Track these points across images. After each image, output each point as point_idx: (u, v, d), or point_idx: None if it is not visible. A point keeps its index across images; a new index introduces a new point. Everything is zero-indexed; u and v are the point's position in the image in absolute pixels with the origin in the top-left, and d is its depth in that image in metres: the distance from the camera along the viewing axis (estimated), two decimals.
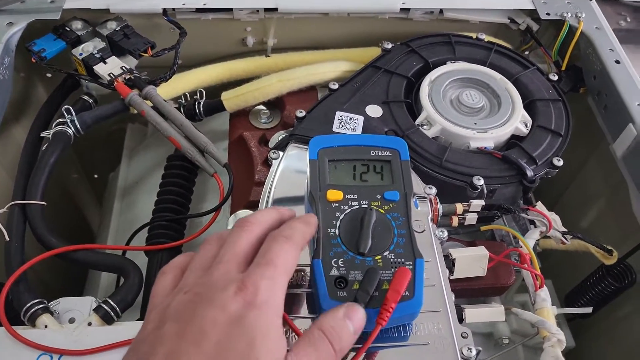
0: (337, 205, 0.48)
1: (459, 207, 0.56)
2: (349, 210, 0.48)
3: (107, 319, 0.47)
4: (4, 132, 0.71)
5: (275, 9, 0.71)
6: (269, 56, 0.73)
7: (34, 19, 0.67)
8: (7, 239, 0.51)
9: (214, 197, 0.68)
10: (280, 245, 0.36)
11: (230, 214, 0.58)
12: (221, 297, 0.32)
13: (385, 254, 0.46)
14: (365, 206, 0.48)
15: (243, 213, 0.58)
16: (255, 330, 0.32)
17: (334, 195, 0.49)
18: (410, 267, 0.45)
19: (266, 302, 0.33)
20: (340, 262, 0.45)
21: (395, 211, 0.48)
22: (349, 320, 0.37)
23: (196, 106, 0.68)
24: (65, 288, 0.79)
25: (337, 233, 0.47)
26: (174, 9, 0.71)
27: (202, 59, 0.77)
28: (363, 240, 0.45)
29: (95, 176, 0.99)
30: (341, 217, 0.48)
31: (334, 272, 0.45)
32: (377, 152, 0.52)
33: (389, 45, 0.69)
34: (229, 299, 0.32)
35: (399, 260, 0.45)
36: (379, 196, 0.49)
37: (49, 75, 0.79)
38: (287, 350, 0.33)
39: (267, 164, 0.60)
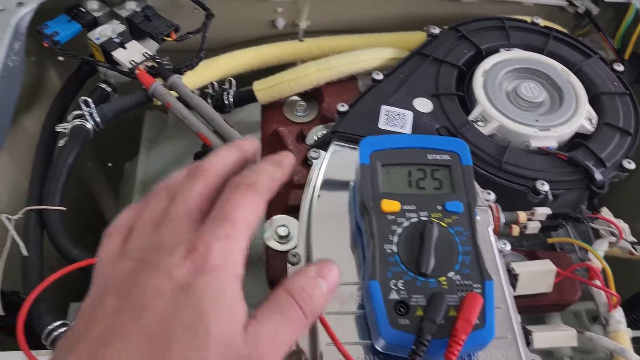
0: (393, 217, 0.43)
1: (522, 216, 0.50)
2: (407, 223, 0.43)
3: None
4: (14, 121, 0.65)
5: None
6: (301, 40, 0.67)
7: None
8: (26, 253, 0.45)
9: None
10: (240, 195, 0.30)
11: (266, 220, 0.53)
12: (167, 263, 0.28)
13: (449, 275, 0.41)
14: (425, 219, 0.43)
15: (280, 219, 0.53)
16: (205, 298, 0.27)
17: (390, 205, 0.43)
18: (479, 290, 0.40)
19: (220, 266, 0.28)
20: (399, 285, 0.40)
21: (459, 225, 0.43)
22: (322, 278, 0.31)
23: (225, 97, 0.62)
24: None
25: (395, 250, 0.42)
26: None
27: (226, 42, 0.71)
28: (425, 260, 0.40)
29: (110, 165, 0.93)
30: (399, 232, 0.42)
31: (394, 295, 0.40)
32: (434, 155, 0.46)
33: (437, 30, 0.63)
34: (176, 263, 0.27)
35: (466, 282, 0.40)
36: (439, 207, 0.44)
37: (61, 58, 0.73)
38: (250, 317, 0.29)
39: (306, 163, 0.54)
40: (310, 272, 0.31)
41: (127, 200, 0.73)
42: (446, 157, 0.46)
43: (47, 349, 0.42)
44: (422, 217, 0.43)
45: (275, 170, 0.33)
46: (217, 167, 0.33)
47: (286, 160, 0.35)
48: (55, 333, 0.42)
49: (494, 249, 0.47)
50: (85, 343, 0.26)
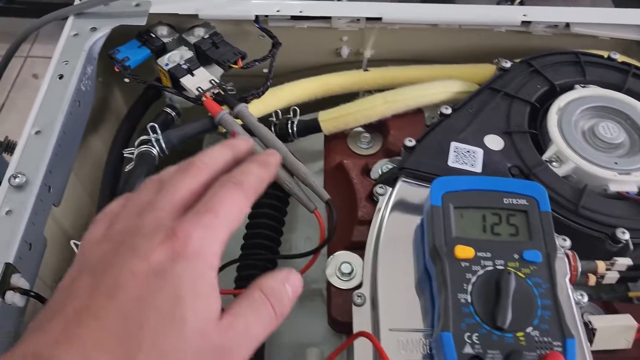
0: (467, 264, 0.41)
1: (601, 266, 0.47)
2: (482, 272, 0.41)
3: None
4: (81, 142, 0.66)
5: (379, 19, 0.63)
6: (366, 70, 0.66)
7: (118, 24, 0.62)
8: None
9: (304, 227, 0.62)
10: (227, 191, 0.31)
11: (328, 255, 0.52)
12: (145, 246, 0.28)
13: (528, 330, 0.38)
14: (501, 267, 0.41)
15: (343, 255, 0.52)
16: (182, 284, 0.27)
17: (464, 252, 0.42)
18: (560, 349, 0.38)
19: (198, 254, 0.28)
20: (474, 338, 0.38)
21: (537, 276, 0.41)
22: (289, 285, 0.32)
23: (289, 126, 0.61)
24: None
25: (470, 300, 0.40)
26: (266, 16, 0.64)
27: (290, 69, 0.71)
28: (502, 312, 0.38)
29: None
30: (473, 281, 0.40)
31: (468, 349, 0.38)
32: (511, 199, 0.44)
33: (508, 64, 0.61)
34: (154, 247, 0.28)
35: (545, 339, 0.38)
36: (516, 255, 0.42)
37: (126, 80, 0.74)
38: (223, 310, 0.29)
39: (372, 199, 0.53)
40: (280, 277, 0.32)
41: None
42: (523, 201, 0.44)
43: None
44: (498, 266, 0.41)
45: (263, 171, 0.35)
46: (209, 164, 0.34)
47: (273, 161, 0.36)
48: None
49: (571, 301, 0.44)
50: (58, 321, 0.26)
